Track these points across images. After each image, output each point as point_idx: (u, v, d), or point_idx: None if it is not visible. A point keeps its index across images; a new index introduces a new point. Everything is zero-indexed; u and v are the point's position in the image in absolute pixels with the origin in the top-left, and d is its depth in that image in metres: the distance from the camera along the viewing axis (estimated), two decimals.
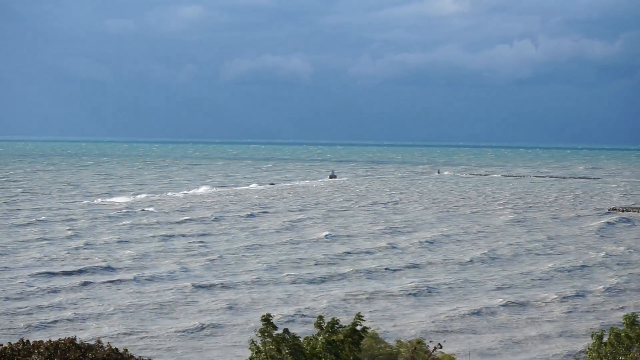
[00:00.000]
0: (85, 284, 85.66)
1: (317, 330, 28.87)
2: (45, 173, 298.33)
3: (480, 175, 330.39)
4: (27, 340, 29.33)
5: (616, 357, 31.63)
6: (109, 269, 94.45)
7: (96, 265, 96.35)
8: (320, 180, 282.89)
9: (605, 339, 32.89)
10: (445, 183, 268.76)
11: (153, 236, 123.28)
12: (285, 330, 28.39)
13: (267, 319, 28.31)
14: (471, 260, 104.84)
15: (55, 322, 69.98)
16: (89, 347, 28.53)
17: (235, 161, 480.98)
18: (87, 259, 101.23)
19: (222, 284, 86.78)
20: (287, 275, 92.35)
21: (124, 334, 66.68)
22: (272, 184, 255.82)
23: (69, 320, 70.73)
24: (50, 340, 28.92)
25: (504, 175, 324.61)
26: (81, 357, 27.85)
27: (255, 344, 28.45)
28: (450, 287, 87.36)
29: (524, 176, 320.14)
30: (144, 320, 71.42)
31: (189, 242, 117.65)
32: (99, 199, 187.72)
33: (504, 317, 75.29)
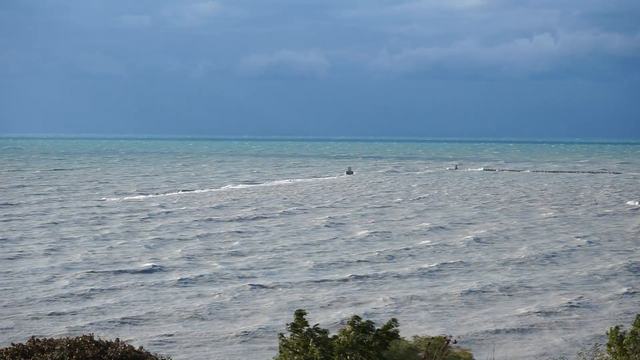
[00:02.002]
0: (132, 284, 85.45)
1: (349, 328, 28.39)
2: (73, 171, 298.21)
3: (511, 170, 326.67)
4: (50, 338, 29.20)
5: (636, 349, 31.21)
6: (157, 268, 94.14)
7: (144, 264, 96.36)
8: (338, 176, 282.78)
9: (624, 334, 32.38)
10: (474, 179, 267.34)
11: (193, 235, 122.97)
12: (316, 327, 28.18)
13: (300, 314, 28.14)
14: (526, 259, 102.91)
15: (101, 322, 70.15)
16: (108, 344, 28.45)
17: (259, 158, 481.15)
18: (132, 257, 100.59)
19: (271, 284, 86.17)
20: (337, 274, 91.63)
21: (168, 335, 66.76)
22: (290, 181, 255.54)
23: (114, 321, 70.82)
24: (68, 338, 28.70)
25: (534, 171, 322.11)
26: (100, 354, 27.73)
27: (284, 338, 28.33)
28: (507, 287, 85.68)
29: (555, 171, 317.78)
30: (190, 322, 71.21)
31: (231, 240, 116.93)
32: (133, 196, 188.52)
33: (566, 317, 74.03)
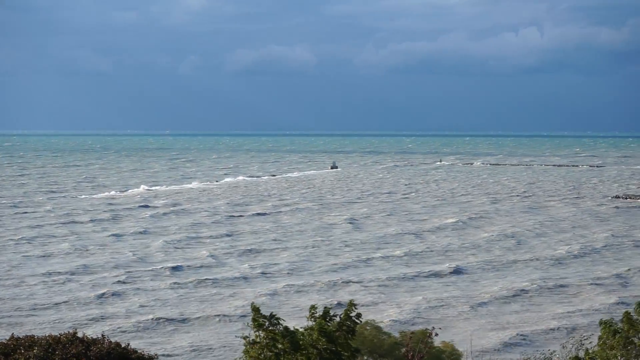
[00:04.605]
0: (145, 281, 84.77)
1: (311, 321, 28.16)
2: (75, 168, 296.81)
3: (514, 165, 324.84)
4: (31, 335, 29.04)
5: (628, 341, 31.02)
6: (178, 267, 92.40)
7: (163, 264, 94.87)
8: (322, 171, 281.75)
9: (615, 326, 32.16)
10: (479, 174, 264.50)
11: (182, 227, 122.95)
12: (274, 317, 27.74)
13: (256, 309, 27.82)
14: (562, 256, 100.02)
15: (93, 319, 69.29)
16: (93, 341, 28.14)
17: (241, 153, 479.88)
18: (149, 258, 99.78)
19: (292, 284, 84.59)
20: (372, 273, 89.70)
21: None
22: (273, 176, 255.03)
23: (106, 317, 70.26)
24: (51, 335, 28.50)
25: (539, 165, 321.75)
26: (84, 350, 27.38)
27: (246, 336, 27.85)
28: (545, 287, 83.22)
29: (559, 165, 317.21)
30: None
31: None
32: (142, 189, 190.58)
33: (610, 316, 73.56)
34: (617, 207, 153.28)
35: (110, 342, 28.38)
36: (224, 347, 61.56)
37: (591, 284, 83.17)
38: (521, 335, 65.12)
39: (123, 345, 28.48)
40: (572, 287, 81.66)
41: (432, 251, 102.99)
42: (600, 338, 32.22)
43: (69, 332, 28.74)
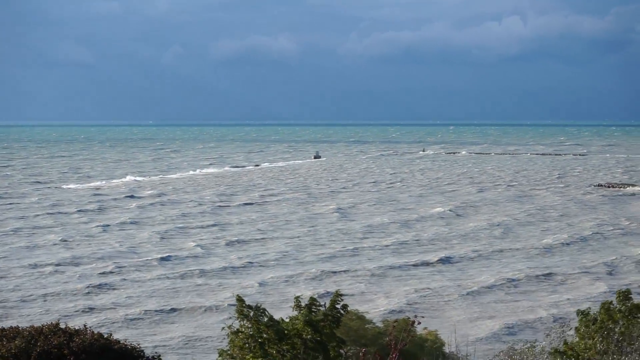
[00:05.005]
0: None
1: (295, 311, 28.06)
2: (60, 159, 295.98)
3: (499, 154, 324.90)
4: (15, 326, 28.98)
5: (606, 331, 30.91)
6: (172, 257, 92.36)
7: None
8: (306, 161, 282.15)
9: (593, 316, 32.26)
10: (464, 163, 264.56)
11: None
12: (259, 308, 27.54)
13: (240, 299, 27.59)
14: (549, 245, 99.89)
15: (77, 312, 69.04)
16: (76, 332, 28.09)
17: (226, 142, 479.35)
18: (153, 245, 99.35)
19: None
20: (359, 263, 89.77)
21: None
22: (257, 165, 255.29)
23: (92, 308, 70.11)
24: (33, 326, 28.52)
25: (524, 153, 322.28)
26: (66, 341, 27.31)
27: (231, 327, 27.60)
28: (533, 275, 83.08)
29: (544, 154, 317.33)
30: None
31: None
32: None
33: (531, 294, 74.55)
34: (602, 196, 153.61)
35: (93, 332, 28.33)
36: (212, 337, 61.44)
37: (579, 272, 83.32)
38: (508, 324, 65.18)
39: (106, 336, 28.45)
40: (560, 276, 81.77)
41: (419, 240, 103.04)
42: (577, 329, 32.27)
43: (51, 323, 28.70)
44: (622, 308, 31.47)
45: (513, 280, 79.77)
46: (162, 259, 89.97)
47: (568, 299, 72.83)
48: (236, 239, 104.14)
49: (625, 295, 32.20)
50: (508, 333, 62.71)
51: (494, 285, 77.61)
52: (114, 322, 65.16)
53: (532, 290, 76.27)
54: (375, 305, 70.12)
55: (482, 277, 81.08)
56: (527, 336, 58.46)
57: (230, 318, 28.55)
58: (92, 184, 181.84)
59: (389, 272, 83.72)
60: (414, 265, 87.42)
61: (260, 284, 77.85)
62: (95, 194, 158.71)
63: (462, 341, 58.79)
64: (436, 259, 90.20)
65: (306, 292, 71.44)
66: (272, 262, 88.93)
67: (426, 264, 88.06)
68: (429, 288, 76.60)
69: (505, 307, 70.54)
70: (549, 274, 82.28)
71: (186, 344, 60.90)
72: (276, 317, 27.99)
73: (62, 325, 28.49)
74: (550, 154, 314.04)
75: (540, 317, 66.94)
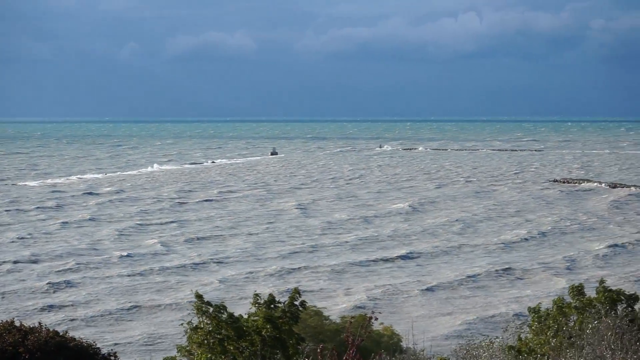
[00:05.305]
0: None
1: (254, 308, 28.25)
2: (16, 155, 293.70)
3: (456, 150, 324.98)
4: None
5: (557, 327, 31.11)
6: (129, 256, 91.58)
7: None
8: (263, 157, 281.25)
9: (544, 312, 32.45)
10: (421, 159, 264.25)
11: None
12: (218, 306, 27.76)
13: (199, 296, 27.84)
14: (509, 241, 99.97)
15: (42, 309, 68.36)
16: (30, 330, 27.67)
17: (183, 139, 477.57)
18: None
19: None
20: (321, 260, 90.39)
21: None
22: (213, 162, 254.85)
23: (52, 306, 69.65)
24: None
25: (482, 149, 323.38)
26: (21, 339, 26.94)
27: (190, 324, 27.80)
28: (493, 271, 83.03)
29: (502, 150, 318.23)
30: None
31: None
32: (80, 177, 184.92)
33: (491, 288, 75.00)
34: (560, 191, 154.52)
35: (48, 330, 28.02)
36: (173, 335, 61.11)
37: (538, 267, 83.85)
38: (467, 319, 65.44)
39: (61, 334, 28.15)
40: (519, 271, 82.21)
41: (379, 237, 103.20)
42: (530, 326, 32.46)
43: (6, 320, 28.34)
44: (577, 304, 31.54)
45: (472, 276, 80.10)
46: (122, 256, 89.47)
47: (527, 294, 73.20)
48: (195, 236, 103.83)
49: (578, 290, 32.26)
50: (467, 328, 62.92)
51: (453, 281, 77.93)
52: (72, 320, 64.80)
53: (492, 286, 76.72)
54: (335, 302, 70.20)
55: (441, 273, 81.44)
56: (487, 331, 58.68)
57: (189, 314, 28.55)
58: (49, 181, 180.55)
59: (348, 269, 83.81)
60: (373, 261, 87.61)
61: (220, 281, 77.69)
62: (53, 191, 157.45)
63: (420, 337, 59.01)
64: (396, 255, 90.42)
65: (266, 289, 71.29)
66: (232, 259, 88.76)
67: (386, 260, 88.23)
68: (388, 284, 76.74)
69: (464, 303, 70.87)
70: (508, 270, 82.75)
71: (145, 341, 60.64)
72: (236, 314, 28.04)
73: (17, 324, 28.10)
74: (507, 150, 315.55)
75: (500, 313, 67.30)
